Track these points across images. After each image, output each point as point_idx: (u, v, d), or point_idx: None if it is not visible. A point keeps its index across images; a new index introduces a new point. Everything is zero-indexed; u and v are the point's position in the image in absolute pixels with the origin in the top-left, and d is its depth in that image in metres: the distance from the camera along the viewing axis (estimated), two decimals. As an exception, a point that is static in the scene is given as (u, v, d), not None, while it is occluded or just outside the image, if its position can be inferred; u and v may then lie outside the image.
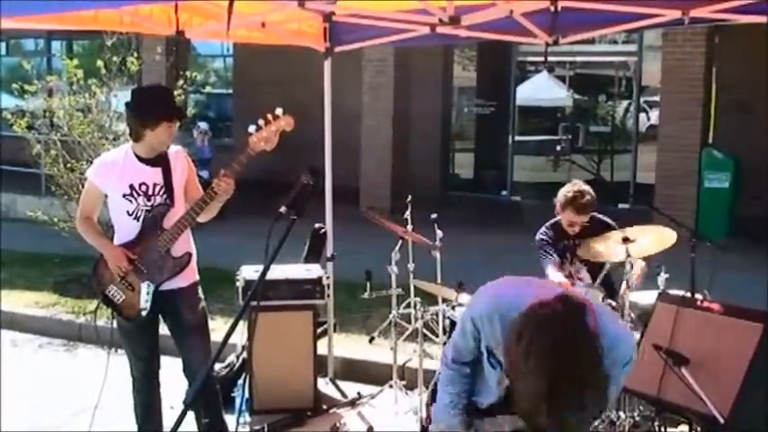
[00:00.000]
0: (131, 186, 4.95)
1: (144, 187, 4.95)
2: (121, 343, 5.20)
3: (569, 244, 5.92)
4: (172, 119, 4.94)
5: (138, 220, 4.96)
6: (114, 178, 4.99)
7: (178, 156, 5.11)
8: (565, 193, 5.91)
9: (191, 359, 5.09)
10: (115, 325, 5.14)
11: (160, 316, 5.14)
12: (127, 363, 5.21)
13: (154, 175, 4.98)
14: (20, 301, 9.13)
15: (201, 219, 5.01)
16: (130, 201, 4.95)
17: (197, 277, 5.19)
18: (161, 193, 4.97)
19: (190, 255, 5.06)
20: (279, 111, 4.76)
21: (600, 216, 6.06)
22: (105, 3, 4.61)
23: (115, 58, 9.66)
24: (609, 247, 5.62)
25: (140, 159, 4.99)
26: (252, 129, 4.77)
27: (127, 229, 5.00)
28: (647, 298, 5.58)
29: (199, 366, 4.97)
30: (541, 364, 2.42)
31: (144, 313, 4.96)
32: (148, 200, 4.95)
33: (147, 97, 5.09)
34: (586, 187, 5.93)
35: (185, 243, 5.05)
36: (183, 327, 5.11)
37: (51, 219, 9.54)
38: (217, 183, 4.81)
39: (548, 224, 6.15)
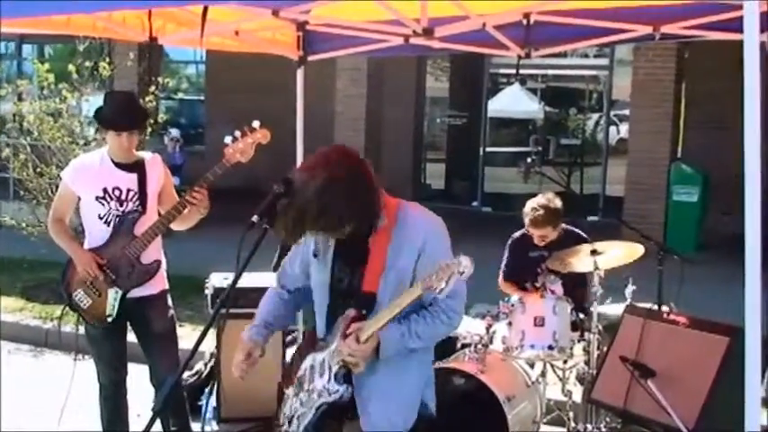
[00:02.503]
0: (105, 190, 4.93)
1: (117, 192, 4.94)
2: (89, 349, 5.17)
3: (542, 255, 5.96)
4: (117, 129, 4.89)
5: (108, 225, 4.94)
6: (89, 181, 4.98)
7: (155, 163, 5.11)
8: (526, 207, 5.99)
9: (158, 368, 5.07)
10: (82, 331, 5.12)
11: (128, 323, 5.12)
12: (94, 369, 5.18)
13: (128, 181, 4.97)
14: (-14, 306, 9.04)
15: (178, 227, 5.00)
16: (103, 204, 4.93)
17: (166, 285, 5.17)
18: (134, 199, 4.96)
19: (159, 262, 5.04)
20: (256, 123, 4.79)
21: (573, 229, 6.13)
22: (79, 7, 4.57)
23: (87, 63, 9.61)
24: (578, 259, 5.66)
25: (116, 164, 4.99)
26: (228, 140, 4.78)
27: (97, 233, 4.98)
28: (614, 310, 5.63)
29: (166, 375, 4.94)
30: None
31: (110, 319, 4.94)
32: (120, 205, 4.94)
33: (105, 103, 5.11)
34: (547, 201, 5.97)
35: (155, 251, 5.03)
36: (150, 335, 5.08)
37: (19, 223, 9.45)
38: (190, 193, 4.81)
39: (521, 231, 6.21)
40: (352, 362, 3.30)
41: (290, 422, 3.51)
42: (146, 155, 5.15)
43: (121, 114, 4.98)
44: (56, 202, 5.22)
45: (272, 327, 3.69)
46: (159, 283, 5.10)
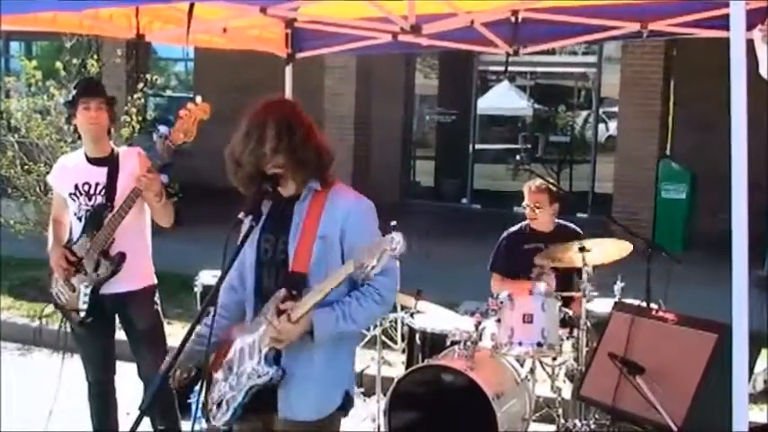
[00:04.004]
0: (76, 186, 4.96)
1: (86, 187, 4.94)
2: (76, 347, 5.16)
3: (537, 247, 5.98)
4: (84, 97, 4.91)
5: (80, 221, 4.95)
6: (65, 179, 5.03)
7: (129, 156, 5.05)
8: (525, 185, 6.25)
9: (143, 365, 5.07)
10: (69, 329, 5.11)
11: (118, 320, 5.10)
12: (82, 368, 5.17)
13: (98, 175, 4.96)
14: (-26, 305, 9.00)
15: (160, 222, 4.98)
16: (74, 200, 4.95)
17: (152, 282, 5.14)
18: (101, 192, 4.93)
19: (122, 255, 4.91)
20: (198, 99, 4.79)
21: (566, 223, 6.20)
22: (66, 4, 4.55)
23: (75, 61, 9.58)
24: (567, 255, 5.68)
25: (89, 160, 5.01)
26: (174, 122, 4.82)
27: (75, 230, 5.00)
28: (602, 307, 5.64)
29: (150, 372, 4.91)
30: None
31: (83, 314, 4.91)
32: (89, 199, 4.93)
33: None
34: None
35: (125, 242, 4.92)
36: (135, 332, 5.07)
37: (7, 221, 9.42)
38: (138, 179, 4.76)
39: (518, 225, 6.25)
40: (280, 340, 3.32)
41: (218, 406, 3.53)
42: (122, 149, 5.16)
43: (85, 87, 5.07)
44: (53, 202, 5.31)
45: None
46: (140, 280, 5.05)
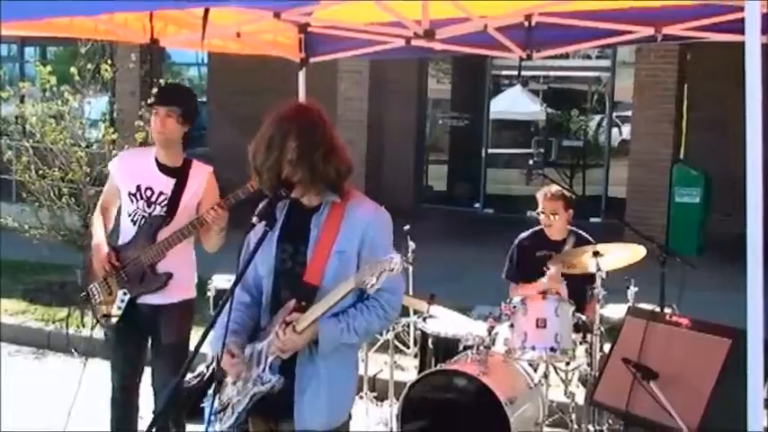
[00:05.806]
0: (138, 187, 4.88)
1: (149, 192, 4.87)
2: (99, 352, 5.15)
3: (550, 254, 5.97)
4: (154, 104, 4.86)
5: (134, 224, 4.88)
6: (127, 174, 4.95)
7: (199, 172, 4.98)
8: (540, 191, 6.24)
9: (157, 376, 5.01)
10: (97, 334, 5.11)
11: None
12: (100, 372, 5.15)
13: (164, 184, 4.88)
14: (-12, 309, 9.05)
15: (208, 248, 4.90)
16: (132, 201, 4.88)
17: (190, 295, 5.06)
18: (162, 203, 4.86)
19: (170, 275, 4.87)
20: None
21: (579, 231, 6.17)
22: (81, 9, 4.57)
23: (89, 65, 9.61)
24: (581, 260, 5.67)
25: (159, 165, 4.92)
26: None
27: (125, 231, 4.95)
28: (616, 312, 5.63)
29: (161, 386, 4.91)
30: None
31: (114, 320, 4.88)
32: (149, 206, 4.86)
33: None
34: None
35: (174, 262, 4.88)
36: (158, 344, 5.01)
37: (22, 226, 9.46)
38: (208, 211, 4.72)
39: (531, 230, 6.24)
40: (284, 350, 3.35)
41: (224, 409, 3.52)
42: (195, 162, 5.03)
43: (157, 94, 5.00)
44: (105, 189, 5.22)
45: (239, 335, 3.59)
46: (179, 293, 4.95)
